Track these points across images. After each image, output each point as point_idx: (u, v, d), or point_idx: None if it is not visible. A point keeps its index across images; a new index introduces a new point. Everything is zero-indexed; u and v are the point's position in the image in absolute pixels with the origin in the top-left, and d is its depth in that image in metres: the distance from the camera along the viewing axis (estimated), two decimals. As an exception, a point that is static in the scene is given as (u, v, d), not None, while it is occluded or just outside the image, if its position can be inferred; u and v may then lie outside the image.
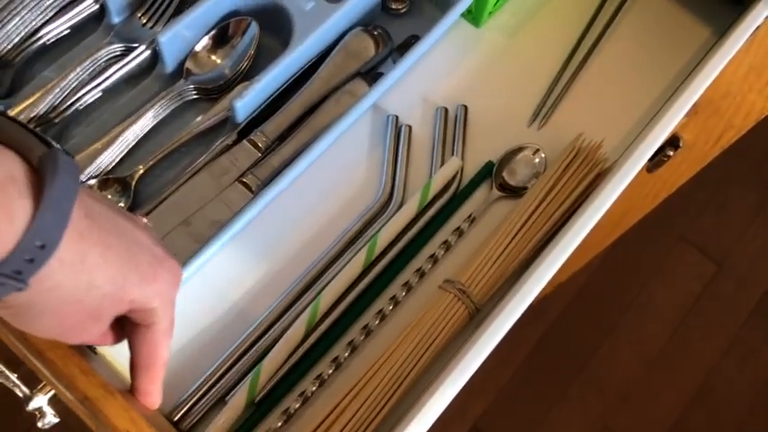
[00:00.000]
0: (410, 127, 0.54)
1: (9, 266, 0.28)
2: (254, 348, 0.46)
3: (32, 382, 0.48)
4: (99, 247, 0.31)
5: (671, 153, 0.71)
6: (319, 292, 0.47)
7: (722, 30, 0.58)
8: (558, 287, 1.25)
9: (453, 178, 0.52)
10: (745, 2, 0.59)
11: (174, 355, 0.46)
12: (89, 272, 0.31)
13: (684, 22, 0.60)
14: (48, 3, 0.53)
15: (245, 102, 0.50)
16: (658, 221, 1.40)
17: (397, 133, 0.54)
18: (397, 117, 0.54)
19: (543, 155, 0.53)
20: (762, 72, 0.58)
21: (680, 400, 1.34)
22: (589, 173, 0.51)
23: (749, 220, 1.47)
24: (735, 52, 0.54)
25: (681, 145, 0.71)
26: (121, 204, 0.49)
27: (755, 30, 0.55)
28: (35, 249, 0.28)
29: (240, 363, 0.45)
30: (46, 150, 0.29)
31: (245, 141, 0.50)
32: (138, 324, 0.36)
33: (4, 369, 0.49)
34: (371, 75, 0.55)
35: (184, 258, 0.46)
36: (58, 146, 0.30)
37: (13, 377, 0.48)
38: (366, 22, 0.55)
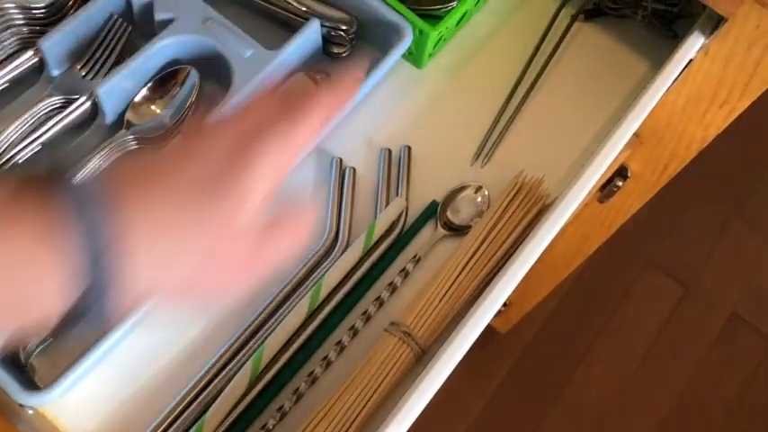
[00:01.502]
0: (354, 169, 0.54)
1: None
2: (198, 401, 0.45)
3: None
4: None
5: (620, 183, 0.72)
6: (263, 341, 0.47)
7: (659, 64, 0.59)
8: (526, 316, 1.25)
9: (398, 219, 0.52)
10: (679, 35, 0.60)
11: (116, 410, 0.45)
12: None
13: (623, 57, 0.61)
14: (-14, 57, 0.53)
15: (185, 151, 0.50)
16: (625, 247, 1.41)
17: (342, 175, 0.54)
18: (341, 159, 0.55)
19: (486, 192, 0.54)
20: (698, 103, 0.59)
21: (654, 423, 1.34)
22: (531, 209, 0.52)
23: (714, 242, 1.49)
24: (669, 84, 0.55)
25: (629, 175, 0.72)
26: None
27: (689, 62, 0.56)
28: None
29: (183, 417, 0.45)
30: None
31: (185, 190, 0.50)
32: None
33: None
34: (315, 118, 0.55)
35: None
36: None
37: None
38: (308, 67, 0.56)
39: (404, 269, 0.51)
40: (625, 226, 0.84)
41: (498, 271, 0.50)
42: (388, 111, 0.57)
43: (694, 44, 0.55)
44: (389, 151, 0.55)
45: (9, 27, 0.53)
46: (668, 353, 1.40)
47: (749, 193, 1.53)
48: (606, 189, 0.73)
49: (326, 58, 0.58)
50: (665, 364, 1.38)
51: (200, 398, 0.45)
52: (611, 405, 1.35)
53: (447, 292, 0.48)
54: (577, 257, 0.90)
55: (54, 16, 0.54)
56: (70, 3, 0.55)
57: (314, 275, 0.50)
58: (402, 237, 0.52)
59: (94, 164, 0.51)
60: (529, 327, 1.37)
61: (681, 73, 0.56)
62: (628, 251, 1.44)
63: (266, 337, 0.47)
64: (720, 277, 1.46)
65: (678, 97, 0.61)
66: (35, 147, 0.52)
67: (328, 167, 0.54)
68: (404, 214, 0.53)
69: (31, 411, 0.43)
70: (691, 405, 1.35)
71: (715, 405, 1.36)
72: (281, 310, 0.48)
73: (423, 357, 0.47)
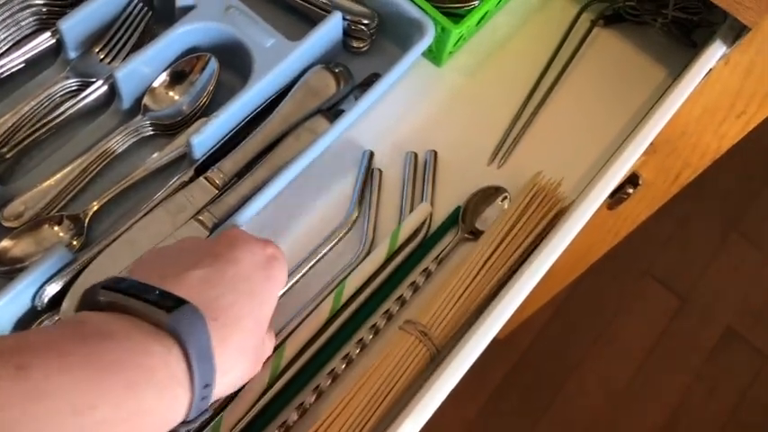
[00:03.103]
0: (381, 171, 0.54)
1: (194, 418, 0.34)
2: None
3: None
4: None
5: (630, 191, 0.72)
6: (285, 339, 0.46)
7: (677, 72, 0.59)
8: (523, 323, 1.25)
9: (423, 223, 0.52)
10: (698, 44, 0.60)
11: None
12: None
13: (641, 63, 0.61)
14: (2, 36, 0.52)
15: (203, 138, 0.49)
16: (623, 257, 1.41)
17: (369, 174, 0.53)
18: (372, 152, 0.54)
19: (508, 196, 0.53)
20: (715, 113, 0.59)
21: (646, 436, 1.34)
22: (548, 212, 0.51)
23: (712, 255, 1.50)
24: (689, 93, 0.55)
25: (640, 183, 0.72)
26: (75, 243, 0.48)
27: (708, 71, 0.56)
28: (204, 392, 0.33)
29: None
30: (171, 314, 0.32)
31: (201, 178, 0.50)
32: None
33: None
34: (332, 112, 0.55)
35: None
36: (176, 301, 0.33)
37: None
38: (327, 60, 0.55)
39: (426, 269, 0.50)
40: (628, 234, 0.84)
41: (514, 273, 0.49)
42: (406, 107, 0.57)
43: (715, 53, 0.55)
44: (415, 155, 0.54)
45: (28, 6, 0.52)
46: (662, 365, 1.40)
47: (749, 209, 1.53)
48: (616, 196, 0.73)
49: (345, 52, 0.58)
50: (658, 377, 1.39)
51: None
52: (604, 416, 1.35)
53: (464, 293, 0.47)
54: (581, 264, 0.90)
55: (74, -3, 0.54)
56: (90, -15, 0.54)
57: (337, 275, 0.49)
58: (426, 242, 0.52)
59: (110, 148, 0.50)
60: (524, 334, 1.37)
61: (699, 82, 0.56)
62: (626, 261, 1.45)
63: (289, 335, 0.46)
64: (717, 291, 1.46)
65: (694, 106, 0.61)
66: (50, 128, 0.51)
67: (346, 163, 0.54)
68: (428, 219, 0.52)
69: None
70: (684, 418, 1.35)
71: (708, 419, 1.36)
72: (304, 309, 0.48)
73: (436, 357, 0.47)
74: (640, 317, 1.43)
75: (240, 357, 0.36)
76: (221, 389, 0.35)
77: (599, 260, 0.94)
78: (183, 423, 0.33)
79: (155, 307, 0.32)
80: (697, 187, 0.85)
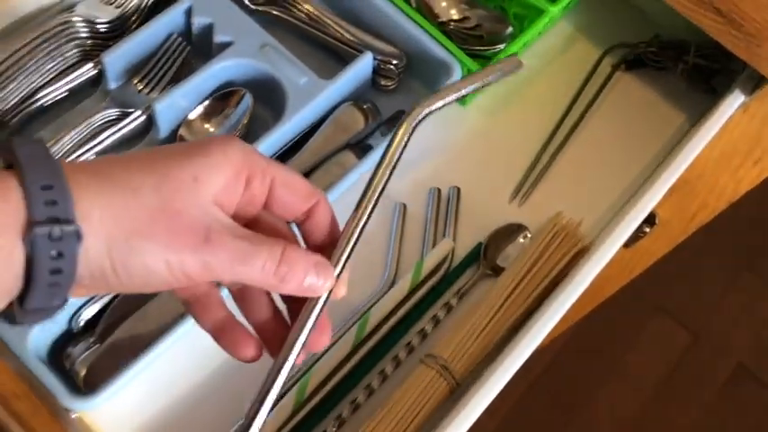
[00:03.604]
0: (405, 205, 0.55)
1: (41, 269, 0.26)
2: (240, 424, 0.46)
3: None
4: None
5: (647, 230, 0.73)
6: (310, 368, 0.48)
7: (696, 117, 0.61)
8: (533, 355, 1.26)
9: (445, 258, 0.53)
10: (717, 91, 0.62)
11: (152, 420, 0.46)
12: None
13: (661, 108, 0.62)
14: (48, 66, 0.54)
15: (236, 171, 0.51)
16: (635, 291, 1.41)
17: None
18: (404, 205, 0.55)
19: (529, 235, 0.55)
20: (732, 158, 0.60)
21: (655, 471, 1.34)
22: (569, 251, 0.53)
23: (724, 290, 1.50)
24: (709, 139, 0.57)
25: (657, 222, 0.73)
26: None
27: (729, 117, 0.58)
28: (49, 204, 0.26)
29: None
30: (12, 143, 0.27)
31: (234, 209, 0.51)
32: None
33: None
34: (360, 147, 0.57)
35: (171, 318, 0.46)
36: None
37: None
38: (356, 97, 0.57)
39: (447, 303, 0.52)
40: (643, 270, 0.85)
41: (533, 311, 0.51)
42: (430, 145, 0.59)
43: (735, 101, 0.57)
44: (439, 191, 0.56)
45: (73, 39, 0.54)
46: (674, 399, 1.39)
47: (763, 248, 1.53)
48: (633, 234, 0.74)
49: (373, 90, 0.59)
50: (669, 411, 1.38)
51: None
52: (614, 449, 1.34)
53: (484, 329, 0.49)
54: (594, 299, 0.91)
55: (116, 31, 0.56)
56: (133, 19, 0.56)
57: (359, 305, 0.51)
58: (447, 277, 0.53)
59: (146, 177, 0.52)
60: (535, 366, 1.37)
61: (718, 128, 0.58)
62: (638, 294, 1.45)
63: (313, 365, 0.47)
64: (729, 327, 1.46)
65: (713, 150, 0.62)
66: (89, 157, 0.53)
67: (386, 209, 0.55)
68: (451, 254, 0.54)
69: (74, 416, 0.44)
70: (694, 454, 1.35)
71: (718, 456, 1.35)
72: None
73: (456, 391, 0.48)
74: (652, 351, 1.43)
75: (125, 189, 0.28)
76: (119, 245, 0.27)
77: (612, 294, 0.94)
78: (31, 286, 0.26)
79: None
80: (710, 226, 0.87)
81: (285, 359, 0.32)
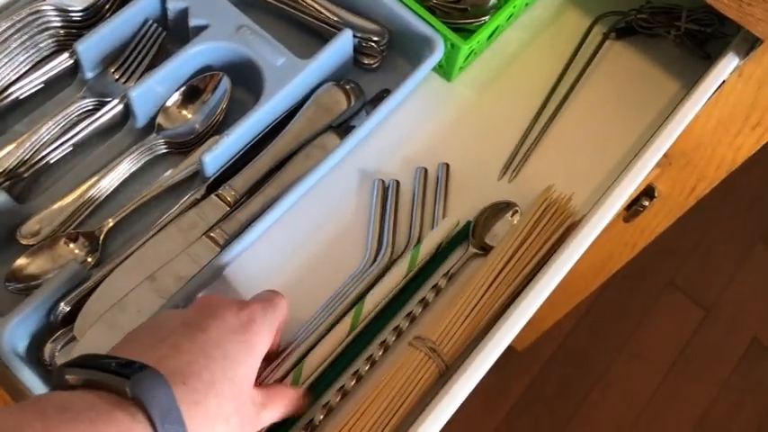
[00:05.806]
0: (398, 182, 0.54)
1: None
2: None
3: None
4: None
5: (646, 203, 0.71)
6: (304, 356, 0.47)
7: (691, 84, 0.59)
8: (544, 335, 1.24)
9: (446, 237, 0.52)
10: (712, 56, 0.60)
11: None
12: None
13: (654, 76, 0.61)
14: (22, 58, 0.53)
15: (215, 156, 0.50)
16: (646, 268, 1.40)
17: (384, 194, 0.54)
18: (383, 181, 0.54)
19: (518, 211, 0.53)
20: (730, 125, 0.59)
21: (670, 449, 1.32)
22: (559, 226, 0.51)
23: (736, 265, 1.47)
24: (702, 105, 0.55)
25: (656, 195, 0.71)
26: (89, 260, 0.49)
27: (722, 83, 0.56)
28: None
29: None
30: (130, 380, 0.32)
31: (213, 196, 0.50)
32: None
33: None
34: (344, 128, 0.56)
35: (148, 315, 0.45)
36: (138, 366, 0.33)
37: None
38: (338, 77, 0.56)
39: (436, 285, 0.50)
40: (647, 245, 0.84)
41: (524, 289, 0.49)
42: (416, 122, 0.57)
43: (728, 65, 0.55)
44: (425, 170, 0.55)
45: (46, 29, 0.53)
46: (687, 376, 1.38)
47: (774, 218, 1.51)
48: (632, 209, 0.73)
49: (355, 69, 0.58)
50: (683, 388, 1.37)
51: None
52: (628, 429, 1.33)
53: (473, 309, 0.47)
54: (599, 277, 0.89)
55: (90, 19, 0.55)
56: (107, 6, 0.55)
57: (350, 290, 0.49)
58: (438, 256, 0.52)
59: (124, 166, 0.51)
60: (546, 345, 1.36)
61: (713, 94, 0.56)
62: (649, 271, 1.43)
63: (306, 353, 0.46)
64: (741, 302, 1.44)
65: (709, 119, 0.60)
66: (66, 148, 0.52)
67: (360, 182, 0.54)
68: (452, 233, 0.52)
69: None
70: (709, 430, 1.33)
71: (734, 431, 1.34)
72: (320, 325, 0.48)
73: (445, 373, 0.47)
74: (664, 328, 1.42)
75: (219, 420, 0.35)
76: None
77: (622, 270, 0.93)
78: None
79: (114, 375, 0.33)
80: (721, 198, 0.85)
81: None
